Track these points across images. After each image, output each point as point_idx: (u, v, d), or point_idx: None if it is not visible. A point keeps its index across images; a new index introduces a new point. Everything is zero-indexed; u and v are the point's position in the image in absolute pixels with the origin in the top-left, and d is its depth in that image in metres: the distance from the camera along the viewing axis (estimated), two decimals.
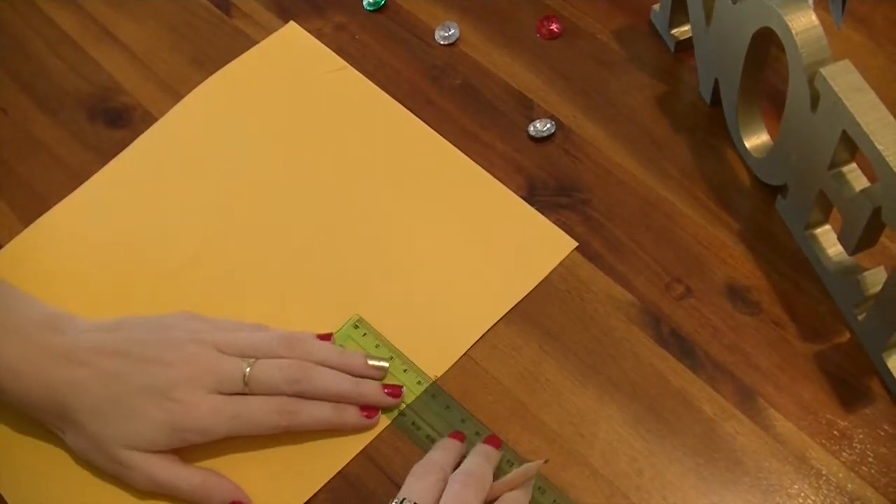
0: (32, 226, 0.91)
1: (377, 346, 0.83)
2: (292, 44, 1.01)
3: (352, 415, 0.79)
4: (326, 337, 0.82)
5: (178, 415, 0.75)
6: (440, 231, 0.88)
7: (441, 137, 0.93)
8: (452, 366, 0.81)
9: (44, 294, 0.85)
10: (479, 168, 0.91)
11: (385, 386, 0.80)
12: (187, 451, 0.78)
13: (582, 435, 0.77)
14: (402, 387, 0.80)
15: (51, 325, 0.79)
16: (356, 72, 0.98)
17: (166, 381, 0.75)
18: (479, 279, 0.85)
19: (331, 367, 0.79)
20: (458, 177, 0.91)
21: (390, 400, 0.79)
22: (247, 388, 0.76)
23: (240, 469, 0.78)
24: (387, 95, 0.96)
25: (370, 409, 0.79)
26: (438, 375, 0.81)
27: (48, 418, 0.77)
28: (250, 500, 0.77)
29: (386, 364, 0.81)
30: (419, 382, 0.80)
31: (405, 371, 0.81)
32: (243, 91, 0.98)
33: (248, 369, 0.76)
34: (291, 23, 1.02)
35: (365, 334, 0.83)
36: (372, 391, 0.79)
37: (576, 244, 0.86)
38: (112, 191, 0.93)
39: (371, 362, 0.81)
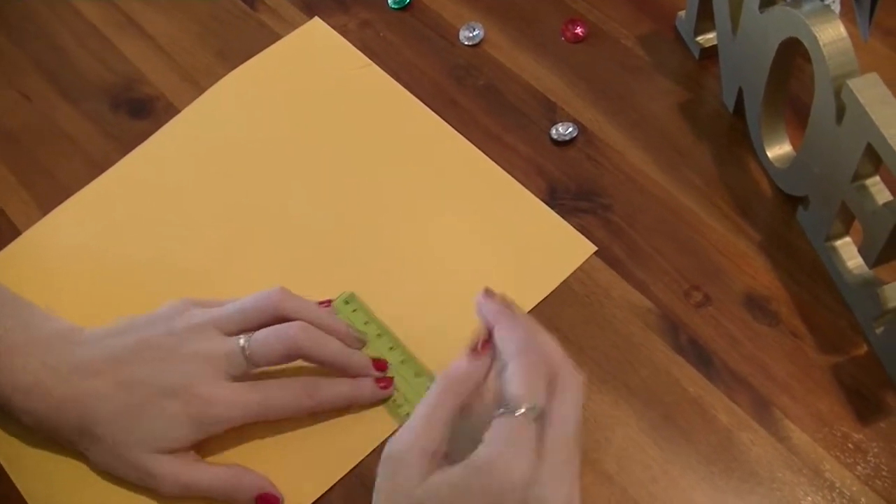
0: (51, 214, 0.91)
1: (366, 323, 0.84)
2: (316, 39, 1.01)
3: (370, 387, 0.79)
4: (326, 304, 0.84)
5: (201, 408, 0.75)
6: (459, 231, 0.88)
7: (463, 138, 0.93)
8: None
9: (60, 282, 0.85)
10: (501, 169, 0.90)
11: (374, 361, 0.81)
12: (202, 450, 0.78)
13: (597, 440, 0.77)
14: (386, 362, 0.81)
15: (64, 339, 0.79)
16: (379, 69, 0.98)
17: (182, 378, 0.75)
18: (496, 281, 0.83)
19: (318, 325, 0.79)
20: (479, 178, 0.91)
21: (376, 374, 0.80)
22: (250, 363, 0.76)
23: (252, 465, 0.78)
24: (409, 94, 0.96)
25: (385, 381, 0.80)
26: None
27: (69, 435, 0.77)
28: (279, 492, 0.77)
29: (365, 338, 0.83)
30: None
31: (416, 376, 0.81)
32: (266, 85, 0.98)
33: (245, 346, 0.76)
34: (316, 18, 1.02)
35: (355, 310, 0.84)
36: (363, 362, 0.80)
37: (595, 248, 0.86)
38: (131, 181, 0.93)
39: (354, 332, 0.82)
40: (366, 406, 0.80)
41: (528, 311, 0.83)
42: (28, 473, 0.79)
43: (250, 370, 0.77)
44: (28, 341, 0.78)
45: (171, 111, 0.97)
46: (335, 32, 1.01)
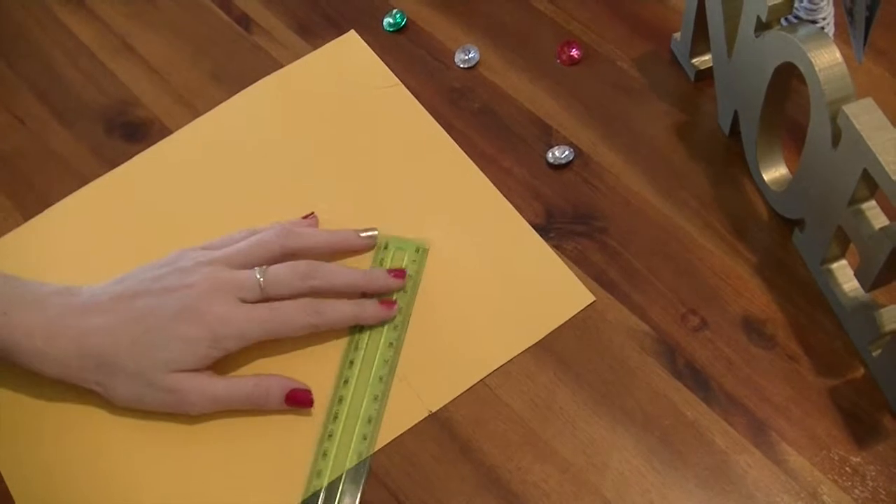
0: (30, 221, 0.92)
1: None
2: (349, 53, 1.01)
3: (372, 307, 0.83)
4: (310, 216, 0.90)
5: (214, 325, 0.78)
6: (458, 266, 0.87)
7: (481, 173, 0.92)
8: (464, 392, 0.81)
9: None
10: (515, 212, 0.89)
11: (390, 270, 0.85)
12: None
13: (594, 465, 0.77)
14: (405, 269, 0.85)
15: (64, 292, 0.81)
16: (406, 90, 0.98)
17: (194, 300, 0.78)
18: (487, 322, 0.84)
19: (327, 248, 0.86)
20: (492, 219, 0.90)
21: (397, 281, 0.85)
22: (264, 293, 0.80)
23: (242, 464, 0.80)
24: (433, 120, 0.96)
25: (388, 302, 0.83)
26: (433, 410, 0.81)
27: (88, 375, 0.79)
28: (306, 385, 0.81)
29: (375, 232, 0.88)
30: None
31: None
32: (288, 98, 0.99)
33: (261, 278, 0.80)
34: (352, 32, 1.03)
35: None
36: (380, 276, 0.85)
37: (593, 298, 0.85)
38: (116, 194, 0.94)
39: (362, 234, 0.88)
40: (371, 324, 0.84)
41: (519, 353, 0.83)
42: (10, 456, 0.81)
43: (262, 298, 0.80)
44: (34, 296, 0.80)
45: (165, 134, 0.97)
46: (368, 48, 1.01)
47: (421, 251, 0.87)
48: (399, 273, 0.85)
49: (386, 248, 0.87)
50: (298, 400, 0.80)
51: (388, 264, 0.86)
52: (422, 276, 0.86)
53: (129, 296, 0.80)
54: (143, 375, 0.78)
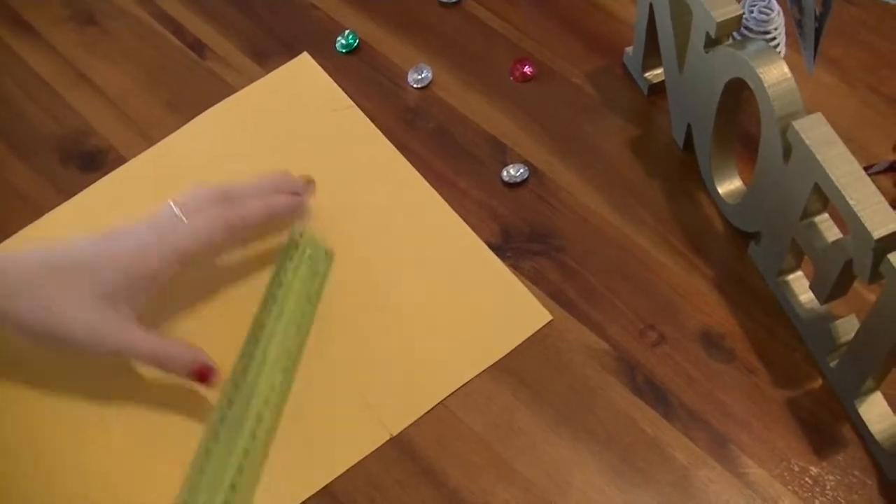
0: None
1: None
2: (302, 76, 1.01)
3: (283, 199, 0.85)
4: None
5: (131, 266, 0.78)
6: (416, 289, 0.87)
7: (437, 195, 0.92)
8: (424, 415, 0.81)
9: None
10: (472, 233, 0.90)
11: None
12: None
13: (557, 484, 0.77)
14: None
15: None
16: (360, 112, 0.98)
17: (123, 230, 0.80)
18: (446, 342, 0.85)
19: (263, 191, 0.86)
20: (449, 240, 0.90)
21: (304, 177, 0.89)
22: (182, 215, 0.80)
23: None
24: (390, 143, 0.96)
25: (296, 193, 0.85)
26: (394, 434, 0.81)
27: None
28: (215, 364, 0.79)
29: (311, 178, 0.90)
30: None
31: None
32: (241, 125, 0.99)
33: (176, 208, 0.81)
34: (304, 54, 1.03)
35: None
36: (290, 177, 0.88)
37: (550, 317, 0.85)
38: (72, 223, 0.93)
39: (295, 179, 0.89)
40: (286, 218, 0.87)
41: (478, 374, 0.83)
42: None
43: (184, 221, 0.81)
44: None
45: (121, 163, 0.96)
46: (322, 70, 1.01)
47: (328, 255, 0.87)
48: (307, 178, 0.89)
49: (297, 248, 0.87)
50: (202, 375, 0.78)
51: (295, 262, 0.86)
52: (326, 282, 0.86)
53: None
54: (47, 305, 0.76)
